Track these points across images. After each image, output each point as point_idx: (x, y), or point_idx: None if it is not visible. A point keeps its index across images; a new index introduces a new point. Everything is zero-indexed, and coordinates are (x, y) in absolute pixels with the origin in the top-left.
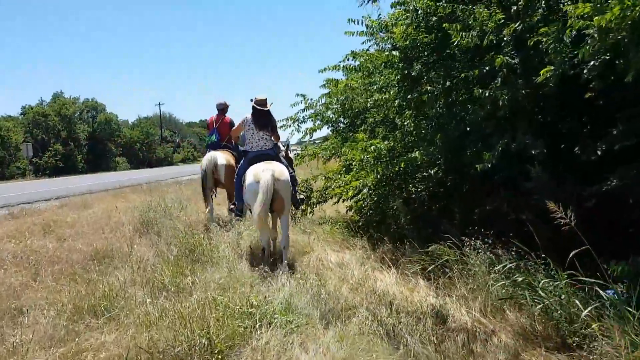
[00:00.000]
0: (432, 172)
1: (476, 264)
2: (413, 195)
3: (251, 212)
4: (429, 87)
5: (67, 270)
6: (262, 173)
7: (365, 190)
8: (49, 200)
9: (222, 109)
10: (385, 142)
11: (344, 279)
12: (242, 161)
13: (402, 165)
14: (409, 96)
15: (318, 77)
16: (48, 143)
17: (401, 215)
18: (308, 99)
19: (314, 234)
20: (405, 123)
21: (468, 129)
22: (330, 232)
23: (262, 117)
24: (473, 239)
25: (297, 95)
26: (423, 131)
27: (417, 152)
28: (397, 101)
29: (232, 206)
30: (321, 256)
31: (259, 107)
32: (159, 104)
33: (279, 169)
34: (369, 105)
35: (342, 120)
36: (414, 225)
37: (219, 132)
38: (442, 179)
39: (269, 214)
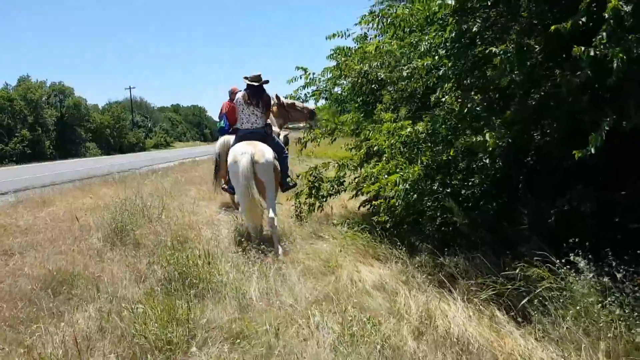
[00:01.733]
0: (487, 161)
1: (579, 290)
2: (463, 192)
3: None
4: (494, 49)
5: (2, 315)
6: (240, 156)
7: (401, 186)
8: (4, 194)
9: (231, 94)
10: (422, 124)
11: (397, 314)
12: (228, 138)
13: (451, 154)
14: (462, 61)
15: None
16: (14, 129)
17: (451, 218)
18: (310, 74)
19: (333, 241)
20: (444, 99)
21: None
22: (350, 236)
23: (254, 91)
24: (565, 254)
25: (297, 68)
26: (479, 108)
27: (487, 135)
28: (442, 70)
29: (225, 185)
30: (352, 275)
31: (252, 83)
32: (130, 88)
33: (260, 151)
34: (400, 75)
35: (355, 99)
36: (471, 231)
37: (228, 118)
38: (502, 170)
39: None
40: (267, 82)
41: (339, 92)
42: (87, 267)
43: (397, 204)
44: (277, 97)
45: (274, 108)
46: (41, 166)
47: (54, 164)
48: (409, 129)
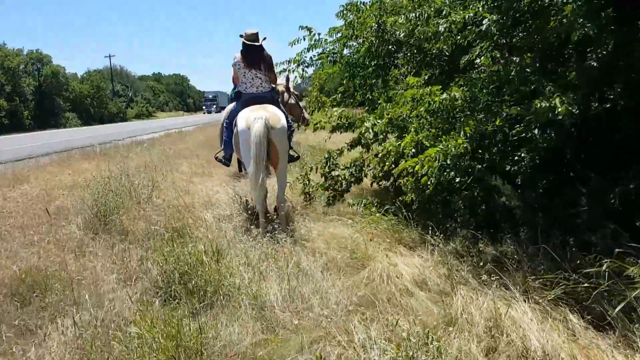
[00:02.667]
0: (536, 132)
1: None
2: (508, 168)
3: (244, 167)
4: None
5: None
6: (254, 122)
7: (438, 163)
8: None
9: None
10: (457, 89)
11: (455, 323)
12: (234, 104)
13: (497, 123)
14: (505, 16)
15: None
16: None
17: (494, 197)
18: (315, 34)
19: (353, 224)
20: (478, 60)
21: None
22: (374, 220)
23: (251, 53)
24: None
25: (301, 28)
26: (529, 70)
27: (557, 100)
28: (484, 25)
29: (218, 154)
30: (387, 268)
31: (248, 43)
32: (110, 56)
33: (274, 116)
34: (435, 31)
35: (368, 62)
36: (524, 213)
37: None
38: (554, 142)
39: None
40: (264, 39)
41: (349, 54)
42: (64, 265)
43: (429, 183)
44: (288, 79)
45: (280, 88)
46: (18, 138)
47: (32, 136)
48: (444, 95)
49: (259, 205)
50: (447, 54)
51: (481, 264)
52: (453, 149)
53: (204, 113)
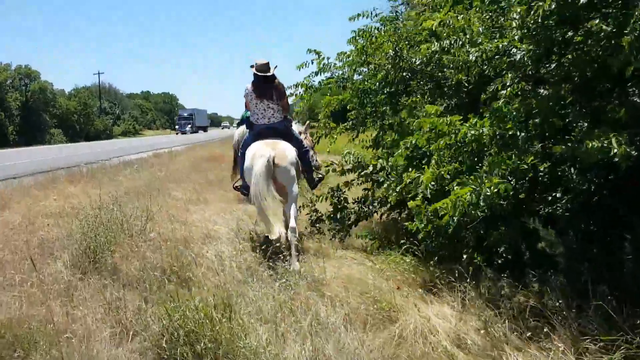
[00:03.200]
0: (573, 172)
1: None
2: (544, 210)
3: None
4: (604, 26)
5: None
6: (257, 160)
7: (474, 203)
8: None
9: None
10: (482, 122)
11: None
12: (247, 133)
13: (528, 161)
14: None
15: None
16: None
17: (542, 245)
18: (323, 58)
19: (368, 263)
20: (503, 91)
21: None
22: (392, 259)
23: (263, 84)
24: None
25: (309, 51)
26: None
27: (613, 139)
28: (518, 55)
29: (237, 184)
30: (420, 324)
31: (260, 74)
32: (98, 73)
33: (281, 152)
34: (464, 59)
35: (380, 89)
36: (570, 261)
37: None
38: (593, 184)
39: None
40: (275, 67)
41: (360, 79)
42: (49, 316)
43: (450, 223)
44: (307, 126)
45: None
46: (1, 153)
47: (16, 152)
48: (472, 131)
49: (273, 235)
50: (466, 84)
51: (516, 313)
52: (488, 190)
53: (177, 134)
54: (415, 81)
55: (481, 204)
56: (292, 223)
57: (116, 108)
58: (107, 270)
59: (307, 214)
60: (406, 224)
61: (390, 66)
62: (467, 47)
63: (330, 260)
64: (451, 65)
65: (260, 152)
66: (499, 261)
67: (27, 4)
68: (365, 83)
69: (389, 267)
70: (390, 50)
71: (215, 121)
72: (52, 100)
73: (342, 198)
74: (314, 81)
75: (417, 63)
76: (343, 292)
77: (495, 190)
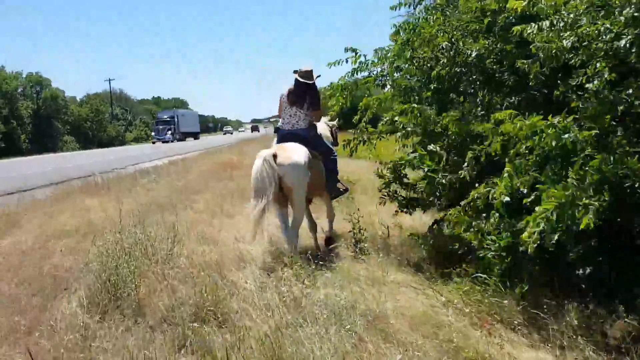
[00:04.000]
0: None
1: None
2: None
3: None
4: None
5: None
6: (255, 161)
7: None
8: None
9: None
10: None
11: None
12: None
13: (630, 164)
14: None
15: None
16: None
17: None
18: (361, 56)
19: (434, 293)
20: (589, 85)
21: None
22: (459, 286)
23: (299, 90)
24: None
25: (346, 50)
26: None
27: None
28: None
29: None
30: None
31: (301, 80)
32: (109, 80)
33: (289, 152)
34: (558, 47)
35: (426, 85)
36: None
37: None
38: None
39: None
40: (319, 76)
41: (401, 77)
42: None
43: (536, 243)
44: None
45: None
46: (13, 162)
47: (28, 160)
48: (568, 135)
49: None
50: (542, 78)
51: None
52: (585, 209)
53: (153, 142)
54: (466, 77)
55: (575, 219)
56: (292, 231)
57: (128, 114)
58: (131, 307)
59: (350, 231)
60: (472, 242)
61: (445, 60)
62: (562, 31)
63: (383, 287)
64: (540, 54)
65: (260, 154)
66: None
67: (36, 11)
68: (409, 80)
69: (458, 298)
70: (445, 42)
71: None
72: (64, 108)
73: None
74: (350, 81)
75: (473, 55)
76: (411, 333)
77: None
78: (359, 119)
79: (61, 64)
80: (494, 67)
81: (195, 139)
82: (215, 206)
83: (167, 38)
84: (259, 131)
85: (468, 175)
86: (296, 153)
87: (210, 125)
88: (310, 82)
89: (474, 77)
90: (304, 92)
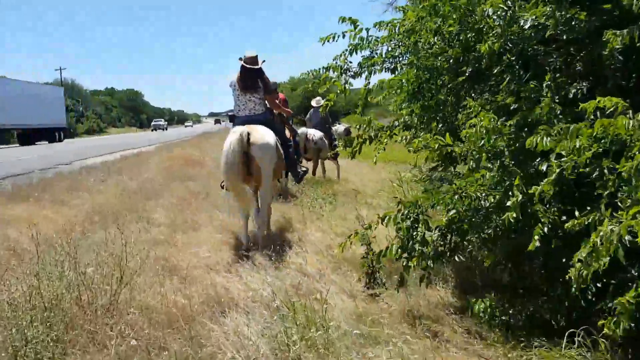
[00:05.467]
0: None
1: None
2: None
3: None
4: None
5: None
6: (230, 136)
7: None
8: None
9: (274, 89)
10: None
11: None
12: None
13: None
14: None
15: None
16: None
17: None
18: (361, 28)
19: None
20: None
21: None
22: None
23: (248, 76)
24: None
25: (342, 20)
26: None
27: None
28: None
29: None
30: None
31: (247, 66)
32: (60, 69)
33: (259, 133)
34: None
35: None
36: None
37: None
38: None
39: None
40: (263, 61)
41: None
42: None
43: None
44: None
45: None
46: None
47: None
48: None
49: (242, 217)
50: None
51: None
52: None
53: None
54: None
55: None
56: (263, 209)
57: (79, 105)
58: None
59: (363, 256)
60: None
61: (499, 30)
62: None
63: (422, 346)
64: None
65: (233, 130)
66: None
67: None
68: (432, 59)
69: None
70: (502, 6)
71: (181, 118)
72: None
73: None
74: (350, 62)
75: (527, 26)
76: None
77: None
78: (361, 109)
79: (9, 51)
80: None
81: (52, 141)
82: (177, 215)
83: (121, 28)
84: (221, 124)
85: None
86: (268, 134)
87: (166, 118)
88: (256, 67)
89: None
90: (254, 78)
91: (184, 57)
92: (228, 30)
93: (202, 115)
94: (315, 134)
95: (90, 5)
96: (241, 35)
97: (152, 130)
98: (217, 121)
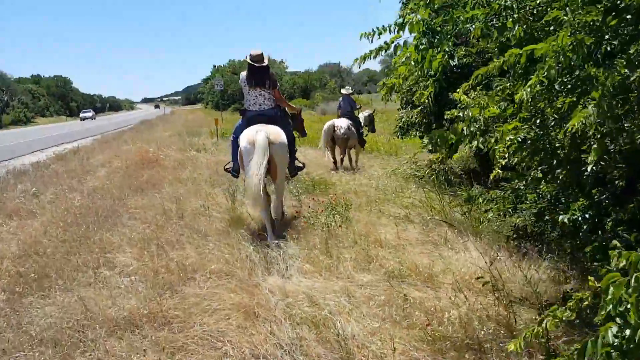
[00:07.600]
0: None
1: None
2: None
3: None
4: None
5: None
6: (256, 135)
7: None
8: None
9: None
10: None
11: None
12: (240, 120)
13: None
14: None
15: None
16: None
17: None
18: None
19: None
20: None
21: None
22: None
23: (256, 73)
24: None
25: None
26: None
27: None
28: None
29: (228, 166)
30: None
31: (253, 63)
32: None
33: (274, 132)
34: None
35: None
36: None
37: None
38: None
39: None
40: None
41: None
42: None
43: None
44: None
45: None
46: None
47: None
48: None
49: (263, 213)
50: None
51: None
52: None
53: None
54: None
55: None
56: (277, 200)
57: (4, 94)
58: None
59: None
60: None
61: None
62: None
63: None
64: None
65: (257, 129)
66: None
67: None
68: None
69: None
70: None
71: (114, 105)
72: None
73: None
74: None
75: None
76: None
77: None
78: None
79: None
80: None
81: None
82: (154, 255)
83: (48, 11)
84: (159, 108)
85: None
86: (282, 134)
87: (97, 105)
88: (264, 64)
89: None
90: (262, 74)
91: (115, 42)
92: (160, 15)
93: (134, 102)
94: (342, 124)
95: None
96: (176, 21)
97: (81, 121)
98: (156, 106)
